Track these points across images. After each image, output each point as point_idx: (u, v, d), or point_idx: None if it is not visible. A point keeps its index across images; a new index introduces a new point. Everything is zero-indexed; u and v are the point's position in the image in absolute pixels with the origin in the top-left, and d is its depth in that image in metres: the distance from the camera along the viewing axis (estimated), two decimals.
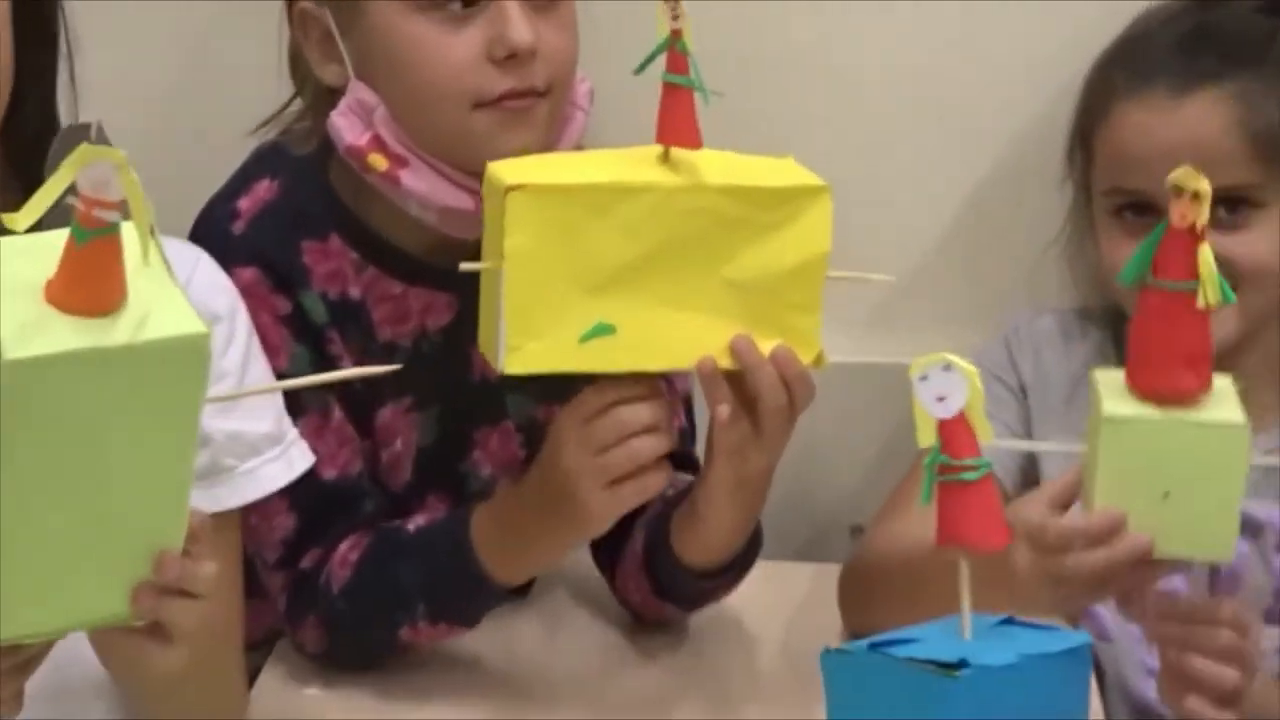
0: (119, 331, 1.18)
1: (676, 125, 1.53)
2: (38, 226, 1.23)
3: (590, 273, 1.53)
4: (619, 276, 1.53)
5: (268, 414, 1.58)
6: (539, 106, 1.64)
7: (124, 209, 1.16)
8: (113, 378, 1.20)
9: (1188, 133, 1.76)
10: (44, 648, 1.32)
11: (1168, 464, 1.48)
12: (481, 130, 1.63)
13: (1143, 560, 1.49)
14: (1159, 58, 1.83)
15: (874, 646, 1.25)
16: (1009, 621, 1.28)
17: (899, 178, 2.03)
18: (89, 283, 1.18)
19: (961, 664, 1.20)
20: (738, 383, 1.55)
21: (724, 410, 1.54)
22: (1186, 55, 1.82)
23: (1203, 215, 1.43)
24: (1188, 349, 1.46)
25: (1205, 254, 1.44)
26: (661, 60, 1.51)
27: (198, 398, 1.22)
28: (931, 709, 1.22)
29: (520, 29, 1.60)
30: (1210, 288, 1.44)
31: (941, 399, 1.25)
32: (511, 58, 1.61)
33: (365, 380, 1.66)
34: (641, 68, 1.49)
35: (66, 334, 1.17)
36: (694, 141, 1.51)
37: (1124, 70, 1.85)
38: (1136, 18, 1.87)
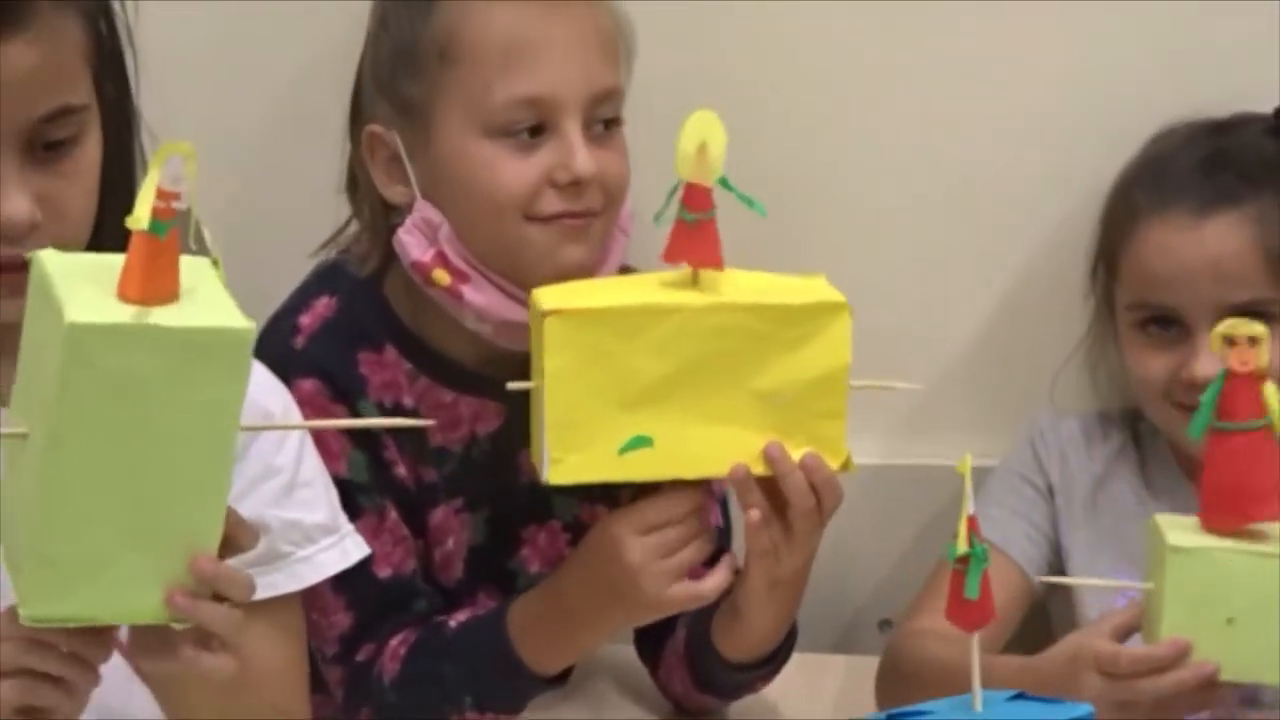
0: (171, 316, 1.25)
1: (699, 250, 1.57)
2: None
3: (626, 389, 1.59)
4: (653, 391, 1.59)
5: (322, 506, 1.63)
6: (594, 224, 1.72)
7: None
8: (162, 358, 1.26)
9: (1208, 252, 1.81)
10: (90, 688, 1.35)
11: (1230, 592, 1.53)
12: (540, 244, 1.71)
13: (1209, 685, 1.55)
14: (1180, 179, 1.87)
15: (892, 718, 1.30)
16: (1020, 696, 1.32)
17: (927, 287, 2.07)
18: (150, 274, 1.25)
19: None
20: (769, 488, 1.59)
21: (755, 514, 1.59)
22: (1206, 177, 1.86)
23: (1262, 358, 1.50)
24: (1267, 482, 1.53)
25: (1271, 390, 1.51)
26: None
27: (238, 392, 1.29)
28: None
29: (584, 160, 1.69)
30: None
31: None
32: (573, 184, 1.69)
33: (418, 484, 1.73)
34: (660, 216, 1.55)
35: (123, 312, 1.25)
36: (717, 263, 1.57)
37: (1146, 191, 1.89)
38: (1155, 137, 1.92)
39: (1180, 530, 1.56)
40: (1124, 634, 1.61)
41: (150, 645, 1.36)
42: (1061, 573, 1.84)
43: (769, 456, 1.58)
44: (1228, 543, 1.55)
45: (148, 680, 1.45)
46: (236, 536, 1.34)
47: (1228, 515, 1.55)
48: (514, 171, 1.71)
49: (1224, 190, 1.84)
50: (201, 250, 1.31)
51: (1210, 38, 2.00)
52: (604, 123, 1.74)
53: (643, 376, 1.59)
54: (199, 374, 1.28)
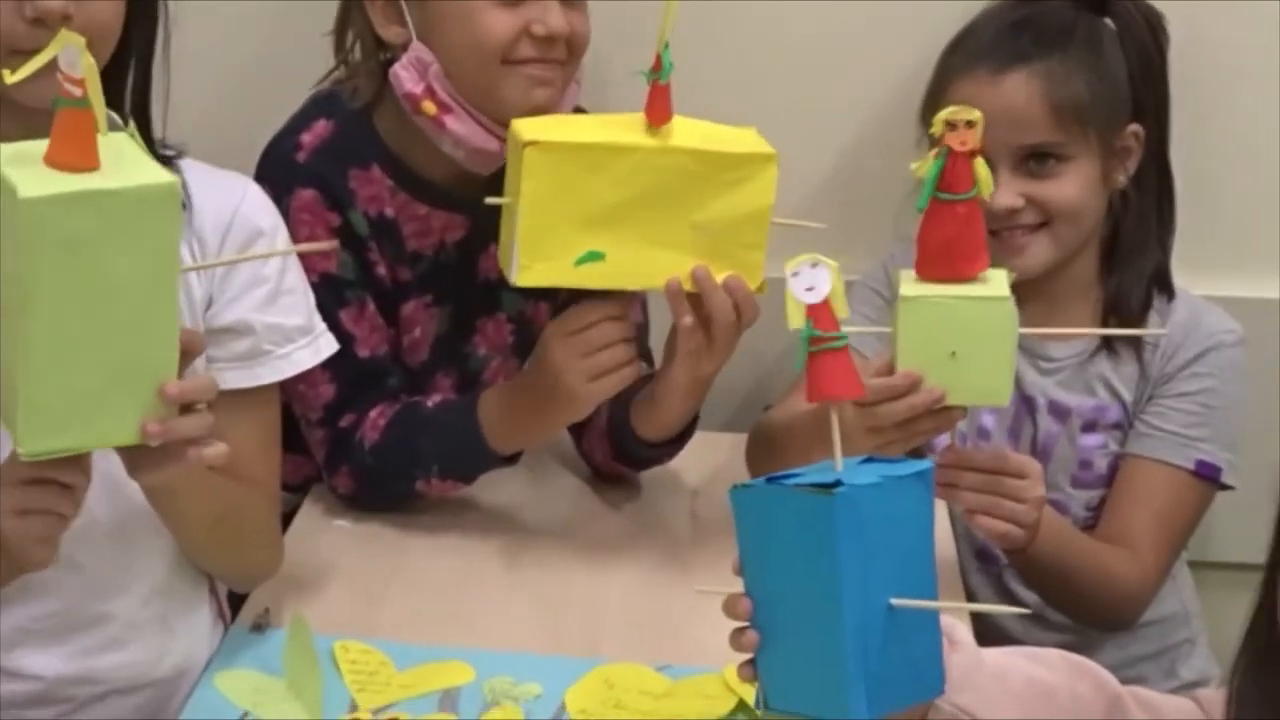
0: (106, 180, 1.35)
1: (658, 108, 1.73)
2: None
3: (586, 212, 1.72)
4: (608, 216, 1.73)
5: (301, 311, 1.76)
6: (559, 72, 1.87)
7: (85, 90, 1.33)
8: (104, 217, 1.34)
9: (1003, 102, 1.96)
10: (75, 510, 1.47)
11: (951, 331, 1.67)
12: (513, 85, 1.84)
13: (938, 408, 1.70)
14: (984, 43, 2.03)
15: (770, 480, 1.40)
16: (870, 459, 1.42)
17: (816, 148, 2.25)
18: (71, 143, 1.34)
19: (837, 484, 1.34)
20: (698, 304, 1.75)
21: (687, 320, 1.75)
22: (1005, 41, 2.01)
23: (977, 138, 1.63)
24: (974, 243, 1.68)
25: (980, 165, 1.65)
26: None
27: (173, 237, 1.38)
28: (816, 524, 1.35)
29: (557, 18, 1.84)
30: (986, 187, 1.65)
31: (810, 289, 1.42)
32: (546, 38, 1.83)
33: (395, 282, 1.89)
34: (646, 75, 1.71)
35: (66, 183, 1.34)
36: (668, 118, 1.72)
37: (959, 54, 2.05)
38: (981, 10, 2.07)
39: (912, 283, 1.68)
40: (883, 372, 1.72)
41: (146, 460, 1.47)
42: None
43: (695, 277, 1.73)
44: (948, 290, 1.67)
45: (149, 494, 1.59)
46: (189, 346, 1.45)
47: (943, 269, 1.67)
48: (499, 21, 1.84)
49: (1018, 52, 1.99)
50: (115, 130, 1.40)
51: None
52: None
53: (601, 203, 1.72)
54: (136, 226, 1.36)
